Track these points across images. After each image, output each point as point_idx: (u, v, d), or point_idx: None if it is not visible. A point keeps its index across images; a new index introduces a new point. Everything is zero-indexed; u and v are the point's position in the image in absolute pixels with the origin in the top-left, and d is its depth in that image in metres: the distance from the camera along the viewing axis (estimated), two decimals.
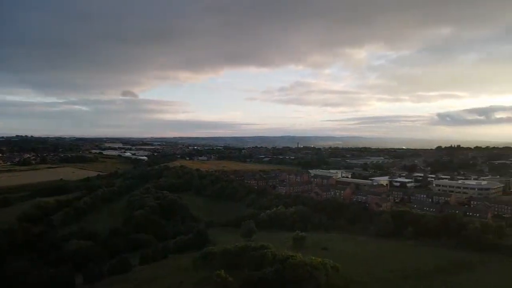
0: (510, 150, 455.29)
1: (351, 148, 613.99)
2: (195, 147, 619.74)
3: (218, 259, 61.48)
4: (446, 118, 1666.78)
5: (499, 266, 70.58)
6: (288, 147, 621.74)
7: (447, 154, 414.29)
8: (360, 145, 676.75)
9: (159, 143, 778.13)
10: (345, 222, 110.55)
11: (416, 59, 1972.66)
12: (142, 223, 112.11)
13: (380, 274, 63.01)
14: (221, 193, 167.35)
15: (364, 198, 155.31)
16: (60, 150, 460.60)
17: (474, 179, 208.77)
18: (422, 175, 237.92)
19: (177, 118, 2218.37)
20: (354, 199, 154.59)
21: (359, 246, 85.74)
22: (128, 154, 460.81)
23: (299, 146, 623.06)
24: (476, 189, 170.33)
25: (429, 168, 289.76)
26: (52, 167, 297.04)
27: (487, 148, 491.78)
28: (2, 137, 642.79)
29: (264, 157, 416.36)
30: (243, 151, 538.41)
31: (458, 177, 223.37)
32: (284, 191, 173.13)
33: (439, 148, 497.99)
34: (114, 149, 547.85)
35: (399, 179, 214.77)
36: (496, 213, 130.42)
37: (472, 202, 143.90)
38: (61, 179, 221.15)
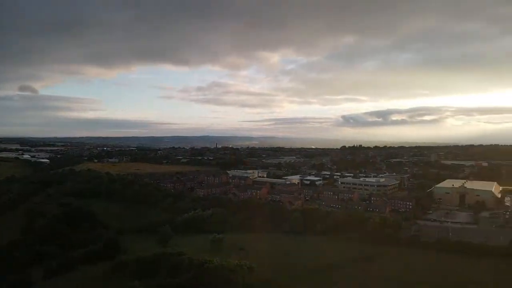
0: (404, 149, 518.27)
1: (267, 148, 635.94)
2: (105, 148, 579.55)
3: (132, 269, 59.22)
4: (350, 120, 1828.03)
5: (396, 257, 79.98)
6: (207, 147, 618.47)
7: (351, 153, 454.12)
8: (275, 145, 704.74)
9: (63, 143, 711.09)
10: (262, 222, 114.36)
11: (324, 65, 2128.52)
12: (45, 233, 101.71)
13: (294, 270, 67.15)
14: (135, 198, 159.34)
15: (278, 197, 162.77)
16: None
17: (374, 176, 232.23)
18: (329, 173, 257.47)
19: (85, 116, 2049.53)
20: (270, 198, 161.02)
21: (274, 244, 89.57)
22: (26, 156, 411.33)
23: (217, 147, 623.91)
24: (375, 186, 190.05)
25: (335, 167, 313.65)
26: None
27: (385, 147, 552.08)
28: None
29: (182, 158, 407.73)
30: (159, 152, 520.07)
31: (360, 174, 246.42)
32: (202, 193, 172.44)
33: (343, 147, 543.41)
34: (11, 150, 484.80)
35: (309, 178, 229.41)
36: (393, 207, 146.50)
37: (372, 198, 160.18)
38: None
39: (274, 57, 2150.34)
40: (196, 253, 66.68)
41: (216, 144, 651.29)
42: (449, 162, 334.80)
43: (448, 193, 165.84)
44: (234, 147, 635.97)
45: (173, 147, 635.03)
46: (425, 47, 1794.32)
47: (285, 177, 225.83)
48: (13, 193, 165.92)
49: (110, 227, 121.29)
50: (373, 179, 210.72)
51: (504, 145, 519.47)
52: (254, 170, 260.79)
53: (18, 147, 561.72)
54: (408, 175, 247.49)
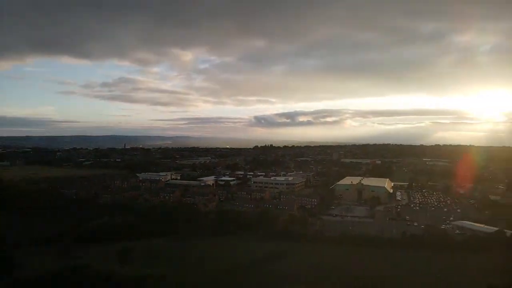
0: (310, 149, 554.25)
1: (181, 148, 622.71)
2: None
3: (31, 286, 53.44)
4: (261, 121, 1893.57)
5: (304, 252, 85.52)
6: (114, 148, 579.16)
7: (263, 153, 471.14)
8: (190, 145, 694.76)
9: None
10: (175, 226, 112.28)
11: (237, 66, 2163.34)
12: None
13: (206, 273, 67.57)
14: (32, 206, 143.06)
15: (193, 199, 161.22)
16: None
17: (283, 175, 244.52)
18: (243, 173, 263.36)
19: None
20: (184, 201, 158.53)
21: (188, 248, 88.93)
22: None
23: (126, 147, 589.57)
24: (284, 184, 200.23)
25: (248, 166, 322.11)
26: None
27: (293, 147, 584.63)
28: None
29: (85, 160, 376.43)
30: (58, 153, 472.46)
31: (271, 174, 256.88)
32: (109, 200, 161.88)
33: (256, 147, 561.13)
34: None
35: (223, 178, 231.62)
36: (300, 204, 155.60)
37: (282, 196, 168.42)
38: None
39: (187, 55, 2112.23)
40: (103, 265, 62.88)
41: (125, 144, 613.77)
42: (348, 160, 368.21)
43: (348, 189, 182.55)
44: (145, 148, 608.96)
45: (75, 147, 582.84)
46: (328, 54, 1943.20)
47: (200, 179, 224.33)
48: None
49: (3, 240, 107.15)
50: (282, 178, 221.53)
51: (394, 144, 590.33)
52: (167, 172, 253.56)
53: None
54: (313, 173, 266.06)
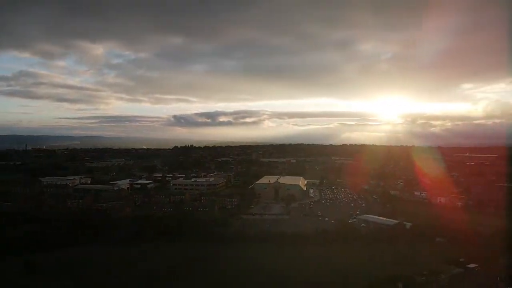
0: (231, 149, 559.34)
1: (91, 149, 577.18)
2: None
3: None
4: (181, 120, 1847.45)
5: (227, 254, 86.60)
6: (13, 149, 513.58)
7: (183, 154, 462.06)
8: (101, 146, 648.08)
9: None
10: (87, 235, 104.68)
11: (153, 63, 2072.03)
12: None
13: (121, 283, 65.03)
14: None
15: (105, 205, 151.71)
16: None
17: (204, 176, 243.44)
18: (161, 175, 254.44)
19: None
20: (96, 208, 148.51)
21: (102, 257, 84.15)
22: None
23: (27, 148, 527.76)
24: (205, 185, 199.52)
25: (167, 168, 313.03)
26: None
27: (214, 147, 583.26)
28: None
29: None
30: None
31: (191, 175, 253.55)
32: (8, 208, 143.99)
33: (175, 148, 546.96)
34: None
35: (140, 181, 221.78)
36: (221, 205, 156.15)
37: (202, 198, 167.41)
38: None
39: (98, 49, 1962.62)
40: (5, 280, 56.68)
41: (26, 145, 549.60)
42: (267, 160, 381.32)
43: (266, 188, 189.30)
44: (50, 149, 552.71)
45: None
46: (247, 56, 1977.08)
47: (113, 182, 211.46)
48: None
49: None
50: (203, 179, 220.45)
51: (307, 144, 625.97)
52: (76, 176, 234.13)
53: None
54: (234, 173, 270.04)
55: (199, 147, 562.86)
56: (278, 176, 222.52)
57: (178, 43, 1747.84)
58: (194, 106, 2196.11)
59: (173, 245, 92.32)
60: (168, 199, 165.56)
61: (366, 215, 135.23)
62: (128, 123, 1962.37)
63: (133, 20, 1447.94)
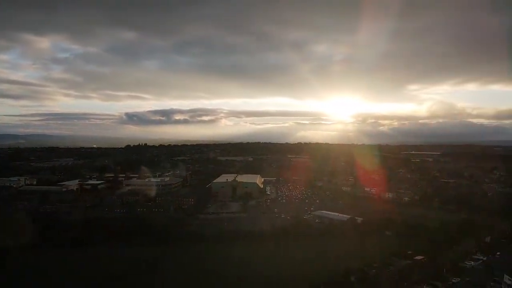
0: (187, 147, 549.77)
1: (36, 148, 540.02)
2: None
3: None
4: (133, 118, 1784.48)
5: (184, 254, 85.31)
6: None
7: (136, 153, 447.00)
8: (48, 145, 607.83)
9: None
10: (32, 239, 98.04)
11: (103, 58, 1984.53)
12: None
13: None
14: None
15: (53, 207, 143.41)
16: None
17: (159, 175, 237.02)
18: (113, 175, 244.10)
19: None
20: (42, 210, 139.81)
21: (48, 263, 79.65)
22: None
23: None
24: (160, 185, 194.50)
25: (119, 168, 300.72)
26: None
27: (169, 146, 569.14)
28: None
29: None
30: None
31: (145, 175, 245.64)
32: None
33: (128, 146, 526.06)
34: None
35: (90, 182, 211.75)
36: (177, 205, 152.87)
37: (157, 198, 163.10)
38: None
39: (43, 42, 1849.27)
40: None
41: None
42: (224, 158, 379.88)
43: (223, 187, 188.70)
44: None
45: None
46: (202, 53, 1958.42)
47: (61, 183, 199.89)
48: None
49: None
50: (158, 179, 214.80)
51: (264, 142, 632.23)
52: (20, 177, 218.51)
53: None
54: (190, 172, 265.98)
55: (154, 146, 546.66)
56: (236, 175, 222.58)
57: (129, 37, 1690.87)
58: (148, 103, 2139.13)
59: (125, 248, 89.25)
60: (120, 200, 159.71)
61: (320, 211, 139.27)
62: (76, 121, 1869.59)
63: (81, 12, 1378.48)
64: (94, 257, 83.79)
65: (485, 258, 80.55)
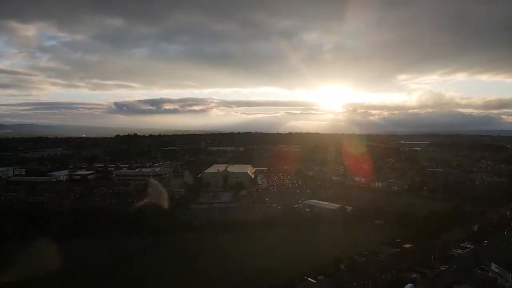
0: (178, 137, 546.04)
1: (24, 138, 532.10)
2: None
3: None
4: (123, 107, 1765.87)
5: (172, 244, 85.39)
6: None
7: (126, 143, 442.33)
8: (36, 135, 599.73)
9: None
10: (22, 230, 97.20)
11: (90, 46, 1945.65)
12: None
13: (60, 277, 61.98)
14: None
15: (43, 197, 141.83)
16: None
17: (149, 166, 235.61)
18: (103, 165, 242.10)
19: None
20: (31, 201, 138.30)
21: (35, 254, 78.79)
22: None
23: None
24: (151, 176, 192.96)
25: (109, 158, 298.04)
26: None
27: (160, 136, 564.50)
28: None
29: None
30: None
31: (136, 165, 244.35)
32: None
33: (117, 136, 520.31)
34: None
35: (80, 172, 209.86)
36: (169, 195, 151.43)
37: (148, 189, 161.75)
38: None
39: (29, 30, 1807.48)
40: None
41: None
42: (215, 148, 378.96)
43: (215, 177, 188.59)
44: None
45: None
46: (191, 41, 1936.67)
47: (50, 174, 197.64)
48: None
49: None
50: (149, 169, 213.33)
51: (255, 132, 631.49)
52: (8, 168, 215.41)
53: None
54: (182, 162, 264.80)
55: (144, 136, 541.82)
56: (227, 165, 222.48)
57: (117, 25, 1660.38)
58: (137, 92, 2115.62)
59: (115, 238, 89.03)
60: (111, 191, 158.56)
61: (310, 200, 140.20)
62: (64, 110, 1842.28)
63: None
64: (83, 247, 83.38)
65: (472, 246, 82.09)
